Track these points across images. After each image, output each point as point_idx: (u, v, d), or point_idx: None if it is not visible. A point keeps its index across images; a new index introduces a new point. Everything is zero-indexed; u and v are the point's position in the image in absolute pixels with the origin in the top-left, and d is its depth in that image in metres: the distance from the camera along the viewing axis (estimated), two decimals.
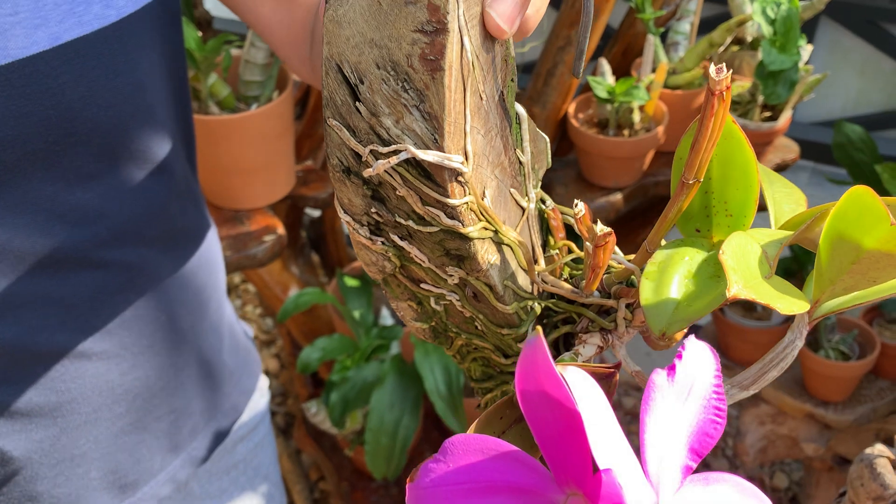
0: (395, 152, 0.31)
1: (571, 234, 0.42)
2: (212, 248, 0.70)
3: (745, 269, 0.29)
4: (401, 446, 1.13)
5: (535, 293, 0.38)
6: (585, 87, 1.13)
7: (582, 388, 0.24)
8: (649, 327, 0.31)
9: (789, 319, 0.32)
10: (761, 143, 1.14)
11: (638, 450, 0.26)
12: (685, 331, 0.34)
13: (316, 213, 1.64)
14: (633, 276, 0.37)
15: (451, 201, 0.32)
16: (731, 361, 1.35)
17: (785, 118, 1.11)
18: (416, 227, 0.33)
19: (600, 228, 0.32)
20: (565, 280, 0.39)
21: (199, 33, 0.99)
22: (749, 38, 1.18)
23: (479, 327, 0.38)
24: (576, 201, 0.33)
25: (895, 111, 1.86)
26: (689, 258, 0.34)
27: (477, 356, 0.41)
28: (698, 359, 0.27)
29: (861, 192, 0.29)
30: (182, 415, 0.68)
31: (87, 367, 0.59)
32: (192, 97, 1.01)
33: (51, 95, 0.49)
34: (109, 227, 0.56)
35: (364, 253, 0.36)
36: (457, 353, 0.41)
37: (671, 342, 0.35)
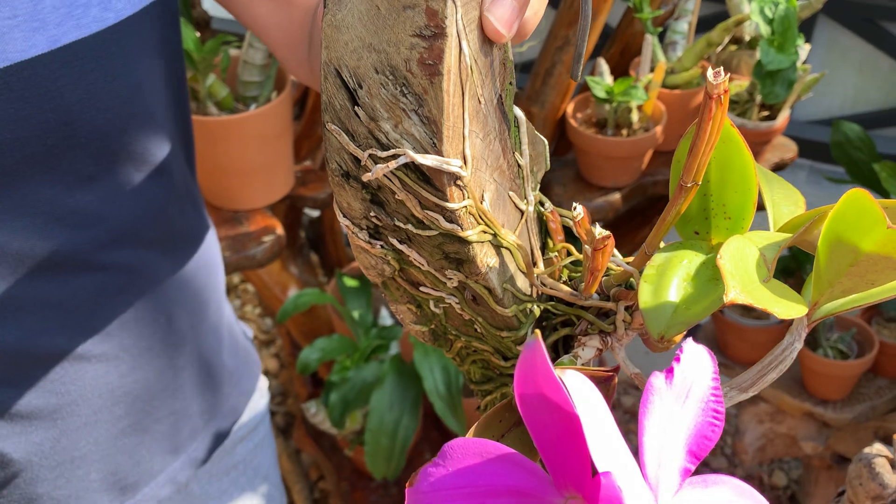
0: (394, 157, 0.31)
1: (570, 235, 0.42)
2: (211, 249, 0.70)
3: (743, 273, 0.29)
4: (400, 446, 1.13)
5: (534, 296, 0.38)
6: (584, 87, 1.13)
7: (580, 391, 0.24)
8: (648, 330, 0.32)
9: (788, 319, 0.32)
10: (759, 143, 1.14)
11: (637, 450, 0.26)
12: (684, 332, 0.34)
13: (315, 213, 1.64)
14: (632, 279, 0.37)
15: (449, 205, 0.32)
16: (730, 360, 1.35)
17: (783, 117, 1.11)
18: (415, 230, 0.33)
19: (599, 232, 0.33)
20: (564, 282, 0.39)
21: (198, 34, 0.99)
22: (747, 38, 1.18)
23: (479, 330, 0.38)
24: (574, 204, 0.33)
25: (893, 109, 1.86)
26: (688, 261, 0.34)
27: (476, 358, 0.41)
28: (696, 361, 0.27)
29: (858, 195, 0.29)
30: (182, 416, 0.68)
31: (86, 370, 0.59)
32: (190, 98, 1.01)
33: (49, 98, 0.49)
34: (108, 230, 0.56)
35: (363, 256, 0.36)
36: (456, 355, 0.41)
37: (670, 345, 0.35)
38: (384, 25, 0.29)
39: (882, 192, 1.26)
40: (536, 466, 0.25)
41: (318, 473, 1.63)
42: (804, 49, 1.06)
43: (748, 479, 1.64)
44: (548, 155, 0.39)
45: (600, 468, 0.23)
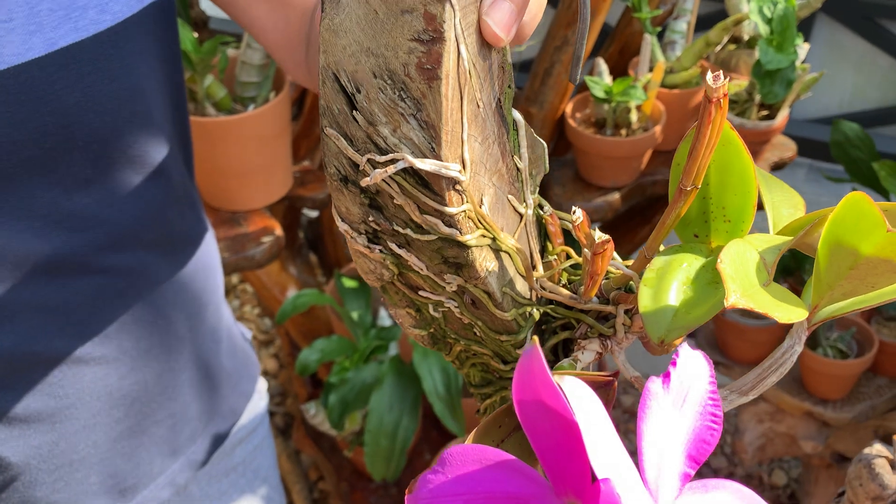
0: (393, 161, 0.31)
1: (570, 238, 0.42)
2: (209, 251, 0.70)
3: (744, 277, 0.29)
4: (400, 447, 1.13)
5: (534, 299, 0.38)
6: (582, 87, 1.13)
7: (579, 397, 0.24)
8: (648, 335, 0.31)
9: None
10: (759, 142, 1.14)
11: (636, 451, 0.26)
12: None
13: (313, 213, 1.64)
14: (631, 282, 0.37)
15: (448, 210, 0.31)
16: (730, 360, 1.35)
17: (782, 117, 1.11)
18: (413, 235, 0.33)
19: (599, 236, 0.32)
20: (564, 286, 0.39)
21: (195, 34, 0.99)
22: (746, 37, 1.18)
23: (478, 333, 0.38)
24: (574, 208, 0.33)
25: (891, 107, 1.86)
26: (688, 264, 0.34)
27: (476, 362, 0.41)
28: (692, 366, 0.27)
29: (858, 199, 0.29)
30: (181, 419, 0.68)
31: (85, 373, 0.59)
32: (188, 99, 1.01)
33: (46, 101, 0.49)
34: (107, 233, 0.56)
35: (362, 261, 0.36)
36: (456, 358, 0.41)
37: (670, 348, 0.35)
38: (382, 30, 0.29)
39: (881, 191, 1.26)
40: (536, 473, 0.25)
41: (317, 474, 1.63)
42: (803, 48, 1.06)
43: (748, 478, 1.64)
44: (547, 158, 0.39)
45: (600, 474, 0.23)
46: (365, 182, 0.32)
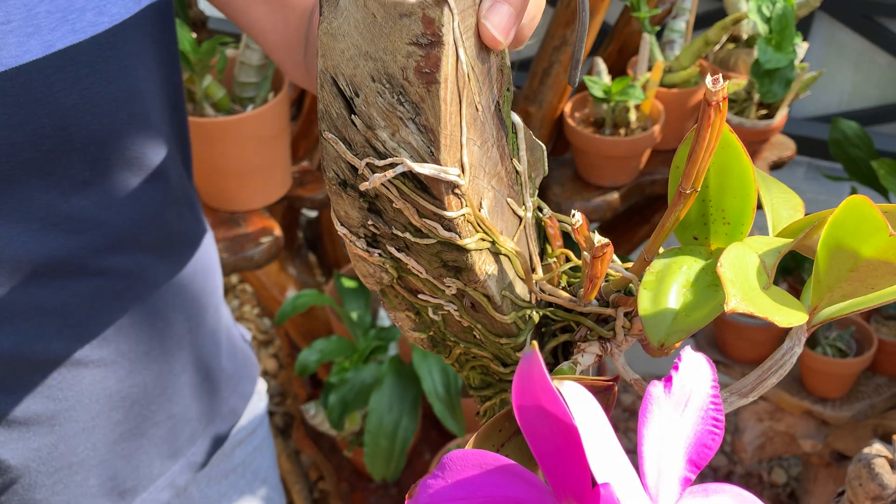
0: (392, 165, 0.31)
1: (569, 240, 0.41)
2: (208, 252, 0.70)
3: (743, 281, 0.29)
4: (400, 448, 1.13)
5: (533, 302, 0.38)
6: (581, 87, 1.13)
7: (579, 402, 0.24)
8: (648, 338, 0.31)
9: None
10: (758, 141, 1.14)
11: (636, 449, 0.26)
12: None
13: (312, 213, 1.64)
14: (631, 285, 0.37)
15: (447, 214, 0.31)
16: (729, 359, 1.35)
17: (781, 116, 1.11)
18: (413, 239, 0.33)
19: (598, 240, 0.32)
20: (563, 288, 0.39)
21: (194, 34, 0.99)
22: (745, 36, 1.18)
23: (478, 336, 0.38)
24: (573, 212, 0.33)
25: (890, 105, 1.86)
26: (687, 267, 0.34)
27: (475, 364, 0.41)
28: (695, 370, 0.27)
29: (859, 202, 0.29)
30: (180, 420, 0.68)
31: (84, 375, 0.59)
32: (187, 99, 1.01)
33: (45, 104, 0.49)
34: (105, 235, 0.56)
35: (361, 265, 0.36)
36: (455, 361, 0.41)
37: (670, 351, 0.35)
38: (380, 34, 0.29)
39: (880, 190, 1.26)
40: (536, 477, 0.25)
41: (317, 474, 1.63)
42: (802, 47, 1.06)
43: (748, 476, 1.64)
44: (546, 160, 0.39)
45: (599, 479, 0.23)
46: (364, 186, 0.32)
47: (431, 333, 0.39)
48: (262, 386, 0.82)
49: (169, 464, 0.69)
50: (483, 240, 0.33)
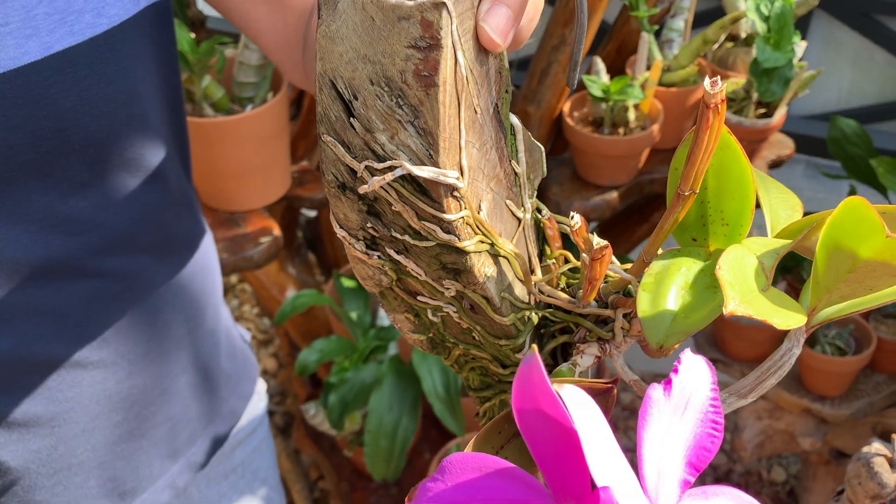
0: (391, 168, 0.31)
1: (568, 241, 0.41)
2: (207, 253, 0.70)
3: (742, 283, 0.29)
4: (400, 447, 1.13)
5: (532, 303, 0.38)
6: (580, 86, 1.13)
7: (578, 406, 0.24)
8: (647, 340, 0.31)
9: None
10: (756, 140, 1.14)
11: (636, 450, 0.26)
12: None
13: (312, 213, 1.64)
14: (630, 286, 0.37)
15: (446, 216, 0.31)
16: (728, 358, 1.35)
17: (780, 115, 1.11)
18: (412, 241, 0.33)
19: (597, 242, 0.32)
20: (562, 290, 0.39)
21: (192, 34, 0.99)
22: (743, 35, 1.18)
23: (477, 338, 0.38)
24: (572, 214, 0.33)
25: (888, 103, 1.86)
26: (686, 269, 0.34)
27: (475, 366, 0.41)
28: (694, 372, 0.27)
29: (856, 204, 0.29)
30: (180, 421, 0.68)
31: (83, 377, 0.59)
32: (186, 99, 1.01)
33: (43, 105, 0.49)
34: (103, 236, 0.56)
35: (360, 267, 0.36)
36: (454, 362, 0.41)
37: (669, 352, 0.35)
38: (379, 36, 0.29)
39: (879, 188, 1.26)
40: (535, 480, 0.25)
41: (317, 473, 1.63)
42: (800, 46, 1.06)
43: (747, 474, 1.64)
44: (544, 162, 0.39)
45: (599, 482, 0.23)
46: (363, 189, 0.32)
47: (431, 335, 0.39)
48: (261, 386, 0.82)
49: (169, 464, 0.69)
50: (482, 242, 0.33)
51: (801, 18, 1.71)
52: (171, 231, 0.63)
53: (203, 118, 1.00)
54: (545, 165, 0.39)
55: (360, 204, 0.33)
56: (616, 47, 1.20)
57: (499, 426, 0.30)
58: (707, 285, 0.33)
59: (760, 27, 1.02)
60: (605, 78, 1.09)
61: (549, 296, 0.37)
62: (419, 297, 0.37)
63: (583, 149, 1.10)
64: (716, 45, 1.16)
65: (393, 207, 0.32)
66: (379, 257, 0.35)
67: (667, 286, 0.33)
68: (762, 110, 1.13)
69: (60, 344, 0.57)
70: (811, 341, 1.27)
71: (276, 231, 1.07)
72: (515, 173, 0.36)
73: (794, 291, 1.30)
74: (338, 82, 0.31)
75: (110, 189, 0.55)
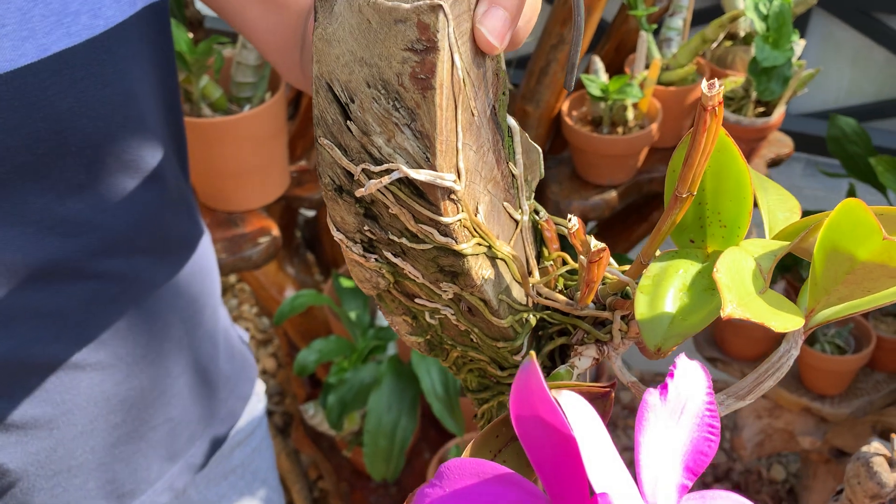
0: (388, 171, 0.31)
1: (566, 242, 0.41)
2: (206, 254, 0.70)
3: (740, 285, 0.29)
4: (399, 447, 1.13)
5: (530, 305, 0.38)
6: (579, 85, 1.13)
7: (577, 412, 0.24)
8: (644, 343, 0.31)
9: None
10: (755, 139, 1.14)
11: (634, 461, 0.26)
12: None
13: (310, 213, 1.64)
14: (628, 288, 0.37)
15: (443, 219, 0.31)
16: (728, 356, 1.35)
17: (779, 113, 1.11)
18: (409, 244, 0.33)
19: (594, 244, 0.32)
20: (560, 291, 0.39)
21: (190, 34, 0.99)
22: (742, 33, 1.18)
23: (475, 340, 0.38)
24: (569, 216, 0.33)
25: (887, 101, 1.86)
26: (684, 271, 0.34)
27: (473, 368, 0.41)
28: (690, 377, 0.27)
29: (853, 206, 0.29)
30: (179, 423, 0.68)
31: (81, 378, 0.59)
32: (184, 99, 1.00)
33: (40, 107, 0.48)
34: (101, 238, 0.56)
35: (358, 270, 0.36)
36: (453, 364, 0.41)
37: (667, 354, 0.35)
38: (375, 39, 0.29)
39: (878, 186, 1.26)
40: (534, 486, 0.25)
41: (317, 473, 1.63)
42: (799, 45, 1.06)
43: (747, 473, 1.64)
44: (542, 163, 0.38)
45: (597, 489, 0.23)
46: (360, 192, 0.32)
47: (428, 337, 0.39)
48: (260, 387, 0.82)
49: (168, 466, 0.69)
50: (479, 244, 0.33)
51: (799, 17, 1.71)
52: (169, 232, 0.63)
53: (201, 118, 0.99)
54: (543, 167, 0.39)
55: (357, 207, 0.33)
56: (615, 46, 1.19)
57: (496, 429, 0.30)
58: (705, 287, 0.33)
59: (759, 26, 1.02)
60: (603, 77, 1.09)
61: (546, 298, 0.37)
62: (416, 300, 0.36)
63: (582, 148, 1.10)
64: (714, 44, 1.16)
65: (390, 210, 0.32)
66: (376, 260, 0.35)
67: (664, 288, 0.33)
68: (761, 109, 1.13)
69: (59, 346, 0.57)
70: (811, 340, 1.27)
71: (275, 231, 1.07)
72: (513, 175, 0.36)
73: (794, 290, 1.30)
74: (334, 85, 0.31)
75: (108, 191, 0.55)
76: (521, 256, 0.38)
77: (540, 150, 0.38)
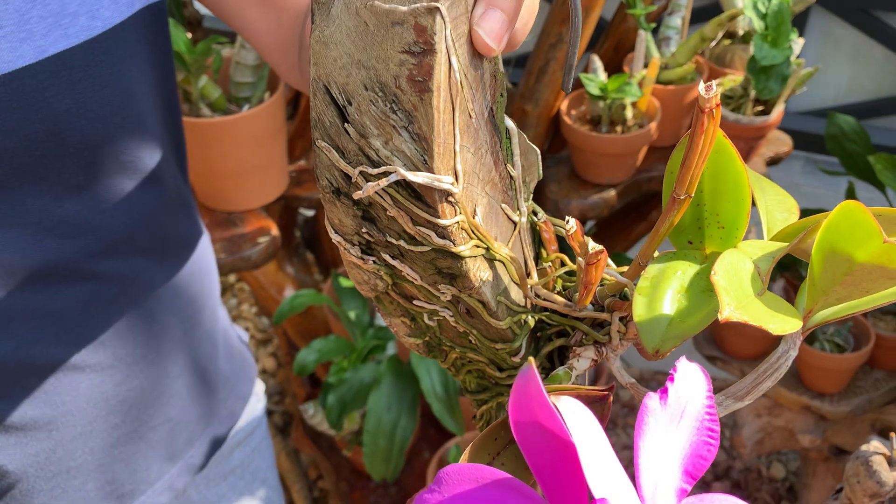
0: (385, 174, 0.30)
1: (564, 243, 0.41)
2: (204, 255, 0.70)
3: (738, 288, 0.29)
4: (399, 447, 1.13)
5: (529, 307, 0.38)
6: (578, 84, 1.13)
7: (575, 417, 0.24)
8: (643, 344, 0.31)
9: None
10: (754, 137, 1.14)
11: (633, 465, 0.26)
12: None
13: (310, 212, 1.64)
14: (626, 289, 0.37)
15: (441, 221, 0.31)
16: (727, 355, 1.35)
17: (777, 112, 1.11)
18: (407, 246, 0.33)
19: (592, 246, 0.32)
20: (559, 293, 0.39)
21: (189, 34, 0.99)
22: (741, 32, 1.18)
23: (473, 342, 0.38)
24: (567, 218, 0.33)
25: (886, 99, 1.86)
26: (682, 272, 0.34)
27: (471, 369, 0.41)
28: (690, 380, 0.27)
29: (852, 207, 0.29)
30: (178, 423, 0.68)
31: (81, 380, 0.59)
32: (182, 99, 1.00)
33: (38, 109, 0.48)
34: (99, 239, 0.56)
35: (356, 272, 0.36)
36: (451, 366, 0.41)
37: (665, 356, 0.34)
38: (373, 42, 0.29)
39: (877, 184, 1.26)
40: (533, 491, 0.25)
41: (316, 472, 1.63)
42: (798, 44, 1.06)
43: (747, 471, 1.64)
44: (540, 165, 0.38)
45: (596, 494, 0.23)
46: (357, 195, 0.32)
47: (427, 339, 0.39)
48: (259, 387, 0.82)
49: (167, 467, 0.69)
50: (477, 247, 0.33)
51: (798, 15, 1.70)
52: (168, 233, 0.63)
53: (200, 118, 0.99)
54: (541, 168, 0.39)
55: (355, 209, 0.33)
56: (613, 45, 1.19)
57: (495, 432, 0.30)
58: (703, 289, 0.33)
59: (758, 24, 1.01)
60: (602, 76, 1.09)
61: (545, 299, 0.37)
62: (415, 302, 0.36)
63: (580, 147, 1.09)
64: (713, 43, 1.16)
65: (388, 213, 0.32)
66: (374, 262, 0.35)
67: (663, 290, 0.33)
68: (760, 107, 1.13)
69: (58, 347, 0.57)
70: (810, 338, 1.27)
71: (274, 231, 1.07)
72: (511, 177, 0.36)
73: (793, 288, 1.30)
74: (332, 87, 0.31)
75: (106, 192, 0.55)
76: (520, 258, 0.38)
77: (538, 151, 0.38)
